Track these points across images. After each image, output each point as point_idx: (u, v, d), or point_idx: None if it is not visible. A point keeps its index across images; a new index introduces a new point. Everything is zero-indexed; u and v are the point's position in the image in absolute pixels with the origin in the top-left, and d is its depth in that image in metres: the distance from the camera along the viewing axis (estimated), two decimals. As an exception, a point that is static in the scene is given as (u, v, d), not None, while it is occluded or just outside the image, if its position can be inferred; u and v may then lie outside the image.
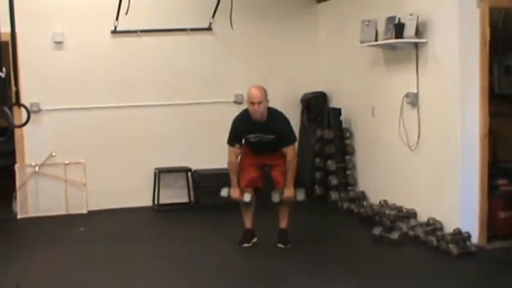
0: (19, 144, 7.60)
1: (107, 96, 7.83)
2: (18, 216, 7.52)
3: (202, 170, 7.98)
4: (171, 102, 8.05)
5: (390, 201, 6.79)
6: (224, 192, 6.09)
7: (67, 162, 7.71)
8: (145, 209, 7.86)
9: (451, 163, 5.91)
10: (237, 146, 5.96)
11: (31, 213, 7.57)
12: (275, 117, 5.90)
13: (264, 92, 5.81)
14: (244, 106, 7.98)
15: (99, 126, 7.82)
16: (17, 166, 7.62)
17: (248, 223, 6.07)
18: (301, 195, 6.00)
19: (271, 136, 5.83)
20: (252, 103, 5.76)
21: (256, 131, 5.85)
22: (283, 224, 6.06)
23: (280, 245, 5.97)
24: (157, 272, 5.40)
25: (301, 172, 8.11)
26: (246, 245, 6.01)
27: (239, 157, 6.01)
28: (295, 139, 6.04)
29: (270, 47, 8.38)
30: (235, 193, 5.99)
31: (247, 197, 5.93)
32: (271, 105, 5.90)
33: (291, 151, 5.87)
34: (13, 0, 4.72)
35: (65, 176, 7.72)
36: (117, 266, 5.62)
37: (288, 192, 5.88)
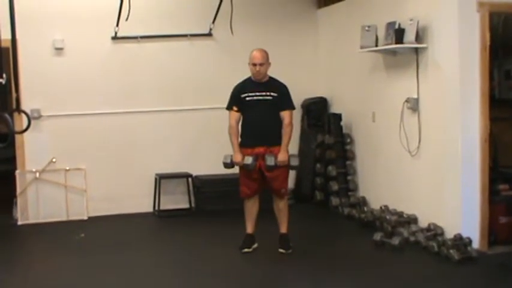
0: (20, 150, 7.60)
1: (107, 102, 7.83)
2: (19, 223, 7.51)
3: (203, 175, 7.97)
4: (171, 108, 8.05)
5: (391, 207, 6.78)
6: (226, 159, 6.05)
7: (67, 168, 7.70)
8: (146, 215, 7.85)
9: (452, 168, 5.91)
10: (235, 108, 5.98)
11: (32, 220, 7.57)
12: (277, 81, 6.05)
13: (266, 55, 5.94)
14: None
15: (100, 132, 7.82)
16: (17, 172, 7.62)
17: (250, 228, 6.06)
18: (295, 160, 5.99)
19: (272, 94, 5.89)
20: (254, 64, 5.89)
21: (255, 90, 5.92)
22: (283, 228, 6.05)
23: (281, 250, 5.96)
24: (158, 278, 5.39)
25: (302, 177, 8.16)
26: (246, 250, 6.00)
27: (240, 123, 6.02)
28: (294, 107, 6.08)
29: (270, 52, 8.29)
30: (237, 157, 5.95)
31: (248, 160, 5.86)
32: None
33: (288, 115, 5.92)
34: (14, 7, 4.73)
35: (65, 182, 7.72)
36: (118, 272, 5.60)
37: (283, 156, 5.86)
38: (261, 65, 5.88)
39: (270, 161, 5.85)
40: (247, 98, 5.94)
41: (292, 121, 5.97)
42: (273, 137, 5.90)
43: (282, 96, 5.94)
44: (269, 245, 6.04)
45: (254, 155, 5.89)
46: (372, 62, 7.15)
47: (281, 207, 6.05)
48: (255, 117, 5.93)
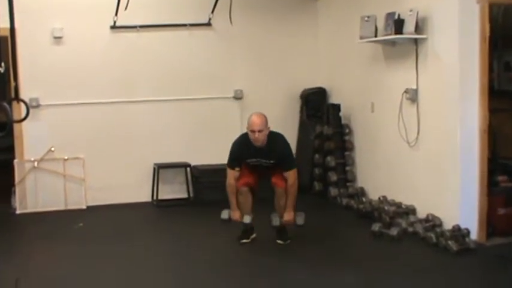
0: (18, 139, 7.60)
1: (106, 91, 7.83)
2: (17, 212, 7.52)
3: (202, 165, 7.97)
4: (170, 97, 8.04)
5: (389, 197, 6.79)
6: (224, 214, 6.04)
7: (66, 157, 7.70)
8: (144, 204, 7.86)
9: (451, 159, 5.91)
10: (237, 169, 5.89)
11: (30, 209, 7.57)
12: (275, 142, 5.87)
13: (265, 120, 5.77)
14: (243, 102, 8.05)
15: (99, 122, 7.81)
16: (16, 161, 7.62)
17: (247, 217, 6.01)
18: (301, 220, 5.94)
19: (272, 161, 5.85)
20: (253, 131, 5.73)
21: (256, 156, 5.86)
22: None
23: (279, 241, 5.97)
24: (155, 267, 5.40)
25: (301, 168, 8.13)
26: (245, 240, 6.00)
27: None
28: (296, 166, 5.97)
29: (269, 43, 8.37)
30: (235, 215, 5.96)
31: (246, 219, 5.92)
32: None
33: (291, 176, 5.84)
34: (12, -5, 4.71)
35: (64, 171, 7.72)
36: (116, 261, 5.61)
37: (288, 215, 5.87)
38: (260, 131, 5.70)
39: (275, 221, 5.89)
40: (251, 163, 5.91)
41: (295, 180, 5.85)
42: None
43: (282, 159, 5.85)
44: (268, 235, 6.05)
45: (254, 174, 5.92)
46: (371, 52, 7.14)
47: (281, 201, 6.02)
48: (259, 170, 5.95)
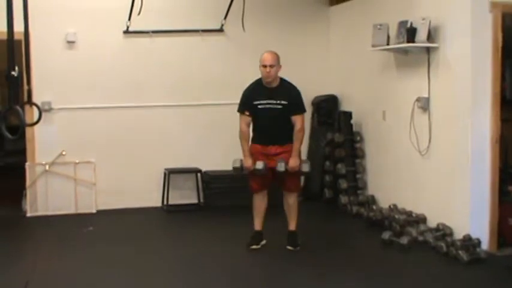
0: (30, 142, 7.64)
1: (118, 96, 7.85)
2: (28, 215, 7.55)
3: (212, 171, 7.98)
4: (182, 103, 8.06)
5: (400, 206, 6.77)
6: (236, 163, 6.02)
7: (77, 161, 7.73)
8: (154, 209, 7.87)
9: (462, 168, 5.89)
10: (247, 113, 5.95)
11: (40, 212, 7.60)
12: (287, 84, 5.97)
13: (277, 57, 5.87)
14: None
15: (110, 126, 7.84)
16: (27, 164, 7.65)
17: (258, 225, 6.07)
18: (306, 167, 5.90)
19: (282, 102, 5.82)
20: (264, 66, 5.83)
21: (266, 97, 5.86)
22: (292, 226, 6.06)
23: (289, 247, 5.96)
24: (164, 273, 5.41)
25: (311, 175, 8.13)
26: (254, 247, 6.00)
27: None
28: (305, 110, 6.04)
29: (281, 49, 8.24)
30: (247, 162, 5.94)
31: (259, 165, 5.84)
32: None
33: (299, 120, 5.87)
34: (27, 0, 4.74)
35: (74, 175, 7.74)
36: (125, 265, 5.62)
37: (293, 162, 5.84)
38: (271, 66, 5.81)
39: (280, 166, 5.82)
40: (260, 106, 5.90)
41: (303, 125, 5.91)
42: (284, 138, 5.88)
43: (292, 102, 5.87)
44: (277, 242, 6.04)
45: (265, 156, 5.88)
46: (383, 60, 7.13)
47: (291, 203, 6.04)
48: (266, 123, 5.92)
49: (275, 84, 5.89)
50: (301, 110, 5.94)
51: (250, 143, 6.00)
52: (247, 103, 5.95)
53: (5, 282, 5.11)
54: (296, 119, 5.86)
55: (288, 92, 5.90)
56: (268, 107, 5.87)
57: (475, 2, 5.73)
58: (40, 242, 6.57)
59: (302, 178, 6.16)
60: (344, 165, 7.76)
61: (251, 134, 6.02)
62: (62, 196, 7.68)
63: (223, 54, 8.18)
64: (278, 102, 5.84)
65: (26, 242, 6.56)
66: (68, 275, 5.38)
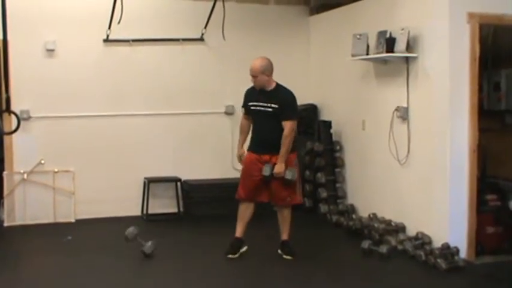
0: (8, 151, 7.56)
1: (97, 104, 7.82)
2: (5, 224, 7.47)
3: (192, 180, 7.95)
4: (162, 111, 8.04)
5: (379, 215, 6.80)
6: (267, 171, 5.87)
7: (56, 170, 7.67)
8: (134, 218, 7.80)
9: (440, 178, 5.94)
10: (244, 111, 6.13)
11: (18, 221, 7.52)
12: (282, 89, 6.00)
13: (260, 68, 5.88)
14: (235, 117, 8.05)
15: (89, 135, 7.79)
16: (5, 173, 7.58)
17: (239, 232, 6.04)
18: (290, 174, 5.86)
19: (273, 105, 5.84)
20: (251, 75, 5.91)
21: (259, 99, 5.93)
22: (285, 235, 6.05)
23: (286, 257, 5.94)
24: (143, 282, 5.38)
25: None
26: (231, 256, 5.98)
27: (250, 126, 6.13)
28: (296, 117, 5.99)
29: (261, 59, 8.38)
30: (238, 151, 6.18)
31: (266, 171, 5.84)
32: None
33: (288, 126, 5.83)
34: (6, 8, 4.72)
35: (53, 184, 7.68)
36: (104, 275, 5.58)
37: (278, 167, 5.83)
38: (254, 76, 5.88)
39: (265, 170, 5.85)
40: (252, 107, 5.99)
41: (291, 132, 5.83)
42: (276, 146, 5.84)
43: (283, 106, 5.86)
44: (257, 250, 6.05)
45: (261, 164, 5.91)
46: (363, 70, 7.18)
47: (285, 215, 6.04)
48: (259, 127, 6.00)
49: (269, 88, 5.94)
50: (290, 116, 5.88)
51: (246, 152, 6.07)
52: (245, 102, 6.10)
53: (-18, 293, 5.06)
54: (285, 125, 5.84)
55: (280, 96, 5.92)
56: (259, 109, 5.92)
57: (453, 13, 5.80)
58: (18, 252, 6.50)
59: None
60: (324, 174, 7.78)
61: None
62: (40, 205, 7.61)
63: (204, 63, 8.18)
64: (269, 105, 5.87)
65: (3, 252, 6.47)
66: (46, 284, 5.33)
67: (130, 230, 6.11)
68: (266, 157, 5.90)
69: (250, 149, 6.06)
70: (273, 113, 5.86)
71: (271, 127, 5.87)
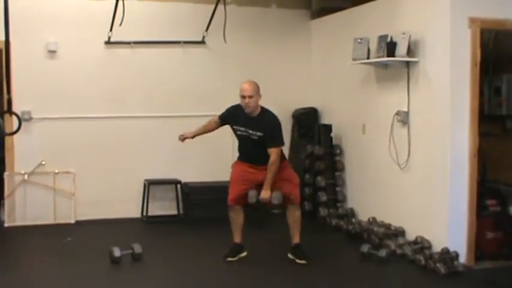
0: (9, 152, 7.57)
1: (98, 106, 7.83)
2: (5, 225, 7.47)
3: (192, 182, 7.96)
4: (162, 114, 8.05)
5: (379, 219, 6.81)
6: (252, 198, 5.92)
7: (56, 171, 7.68)
8: (134, 220, 7.83)
9: (440, 182, 5.94)
10: (218, 119, 6.13)
11: (18, 222, 7.53)
12: (267, 116, 5.92)
13: (256, 87, 5.84)
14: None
15: (90, 136, 7.80)
16: (6, 174, 7.58)
17: (237, 237, 6.06)
18: (276, 199, 5.88)
19: (259, 133, 5.81)
20: (243, 96, 5.81)
21: (245, 125, 5.88)
22: (296, 239, 6.05)
23: (299, 261, 5.94)
24: (141, 284, 5.38)
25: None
26: (230, 259, 5.98)
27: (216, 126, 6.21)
28: (282, 143, 5.95)
29: (262, 62, 8.40)
30: (190, 133, 6.25)
31: (251, 198, 5.88)
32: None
33: (274, 153, 5.79)
34: (8, 9, 4.74)
35: (54, 185, 7.69)
36: (103, 277, 5.58)
37: (265, 193, 5.83)
38: (250, 97, 5.79)
39: (251, 197, 5.89)
40: (238, 132, 5.97)
41: (277, 159, 5.79)
42: (264, 159, 5.83)
43: (269, 134, 5.82)
44: (256, 255, 6.05)
45: (253, 173, 5.93)
46: (363, 74, 7.19)
47: (297, 216, 6.05)
48: (245, 149, 6.01)
49: (255, 113, 5.87)
50: (276, 143, 5.84)
51: (235, 160, 6.10)
52: (226, 118, 6.07)
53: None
54: (271, 152, 5.79)
55: (265, 124, 5.84)
56: (246, 134, 5.90)
57: (454, 17, 5.80)
58: (18, 252, 6.50)
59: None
60: (324, 178, 7.79)
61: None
62: (40, 206, 7.62)
63: (205, 65, 8.19)
64: (254, 132, 5.84)
65: (3, 252, 6.48)
66: (45, 285, 5.34)
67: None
68: (256, 167, 5.92)
69: (239, 159, 6.09)
70: (259, 140, 5.84)
71: (257, 150, 5.86)
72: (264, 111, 5.93)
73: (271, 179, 5.81)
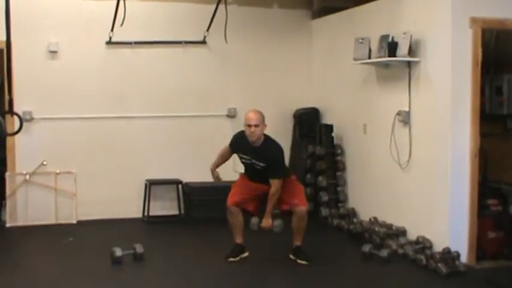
0: (10, 152, 7.58)
1: (99, 106, 7.83)
2: (7, 225, 7.48)
3: (193, 182, 7.96)
4: (163, 114, 8.06)
5: (380, 219, 6.80)
6: (254, 226, 6.23)
7: (58, 171, 7.69)
8: (135, 220, 7.84)
9: (442, 182, 5.94)
10: (230, 149, 6.11)
11: (20, 222, 7.54)
12: (270, 146, 5.90)
13: (261, 117, 5.83)
14: (237, 120, 8.05)
15: (91, 136, 7.81)
16: (7, 174, 7.59)
17: (238, 238, 6.06)
18: (278, 227, 6.03)
19: (262, 164, 5.83)
20: (249, 125, 5.79)
21: (249, 154, 5.89)
22: (298, 241, 6.04)
23: (300, 261, 5.94)
24: (142, 284, 5.39)
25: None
26: (231, 259, 5.98)
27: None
28: (283, 175, 5.91)
29: (263, 62, 8.41)
30: (213, 172, 6.22)
31: (253, 226, 6.14)
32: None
33: (275, 184, 5.80)
34: (9, 9, 4.74)
35: (55, 185, 7.69)
36: (105, 277, 5.59)
37: (266, 222, 5.89)
38: (256, 126, 5.77)
39: (253, 226, 6.06)
40: (242, 160, 6.00)
41: (278, 189, 5.80)
42: (268, 182, 5.85)
43: (271, 165, 5.83)
44: (257, 256, 6.05)
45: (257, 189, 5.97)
46: (365, 74, 7.19)
47: (302, 226, 6.03)
48: (250, 172, 6.03)
49: (258, 143, 5.85)
50: (277, 175, 5.83)
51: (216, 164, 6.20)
52: (233, 147, 6.08)
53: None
54: (272, 183, 5.81)
55: (267, 155, 5.83)
56: (250, 163, 5.92)
57: (456, 17, 5.80)
58: (19, 253, 6.51)
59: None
60: (325, 178, 7.79)
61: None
62: (42, 206, 7.63)
63: (206, 66, 8.19)
64: (257, 163, 5.86)
65: (4, 252, 6.49)
66: (46, 285, 5.34)
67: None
68: (260, 184, 5.95)
69: (245, 175, 6.13)
70: (263, 169, 5.86)
71: (262, 175, 5.89)
72: (267, 140, 5.91)
73: (272, 208, 5.88)
